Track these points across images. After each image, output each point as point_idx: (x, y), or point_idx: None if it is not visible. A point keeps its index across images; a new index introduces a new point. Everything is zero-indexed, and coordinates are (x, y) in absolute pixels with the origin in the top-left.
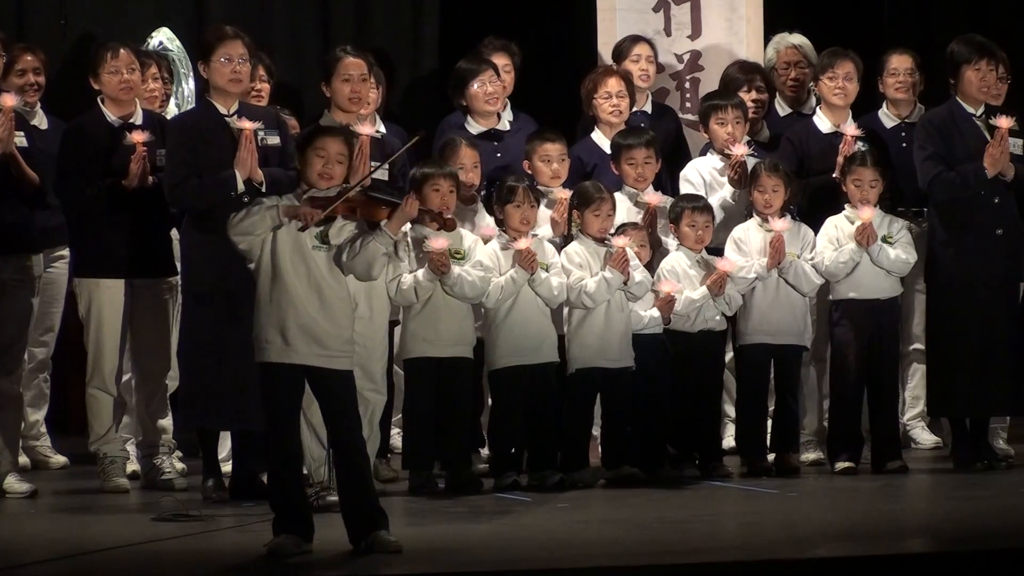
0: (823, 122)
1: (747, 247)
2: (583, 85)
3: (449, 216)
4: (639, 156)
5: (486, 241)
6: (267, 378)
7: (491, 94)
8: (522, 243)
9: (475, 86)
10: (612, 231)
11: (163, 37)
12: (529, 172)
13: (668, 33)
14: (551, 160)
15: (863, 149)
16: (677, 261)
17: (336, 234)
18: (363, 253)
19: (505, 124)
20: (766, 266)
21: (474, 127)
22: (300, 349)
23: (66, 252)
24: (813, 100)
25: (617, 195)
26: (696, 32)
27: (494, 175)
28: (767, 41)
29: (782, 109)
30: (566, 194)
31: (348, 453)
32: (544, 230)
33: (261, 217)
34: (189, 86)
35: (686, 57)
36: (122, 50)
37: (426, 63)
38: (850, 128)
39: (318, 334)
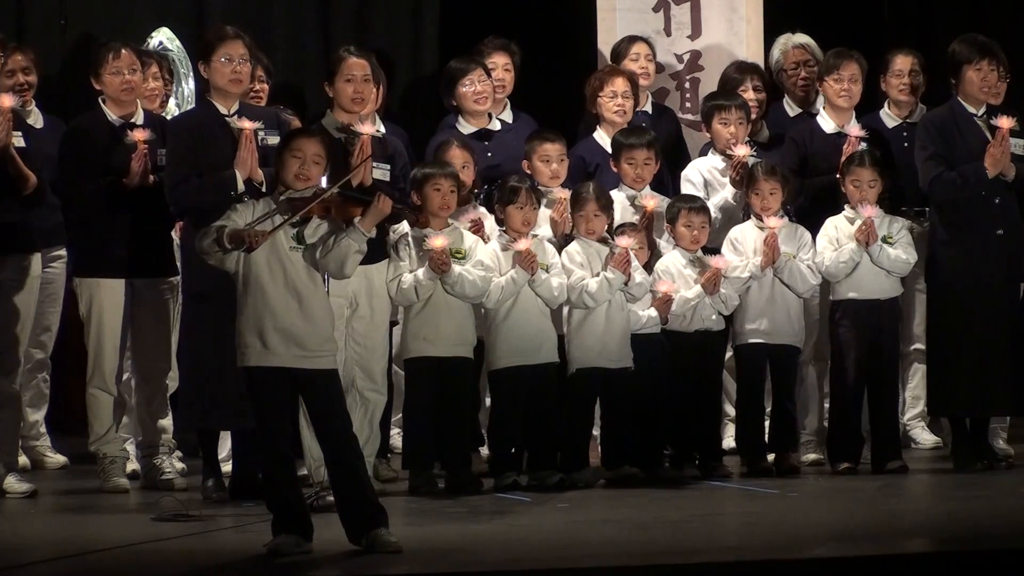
0: (827, 122)
1: (742, 247)
2: (588, 83)
3: (423, 214)
4: (639, 157)
5: (477, 229)
6: (251, 383)
7: (480, 93)
8: (522, 244)
9: (464, 86)
10: (613, 229)
11: (163, 37)
12: (528, 172)
13: (668, 33)
14: (551, 160)
15: (865, 150)
16: (672, 261)
17: (312, 234)
18: (336, 250)
19: (496, 124)
20: (760, 265)
21: (465, 127)
22: (279, 351)
23: (64, 252)
24: (822, 100)
25: (613, 193)
26: (696, 32)
27: (485, 174)
28: (767, 41)
29: (791, 110)
30: (565, 194)
31: (339, 451)
32: (544, 230)
33: (211, 241)
34: (189, 86)
35: (686, 57)
36: (124, 51)
37: (426, 63)
38: (854, 129)
39: (297, 335)
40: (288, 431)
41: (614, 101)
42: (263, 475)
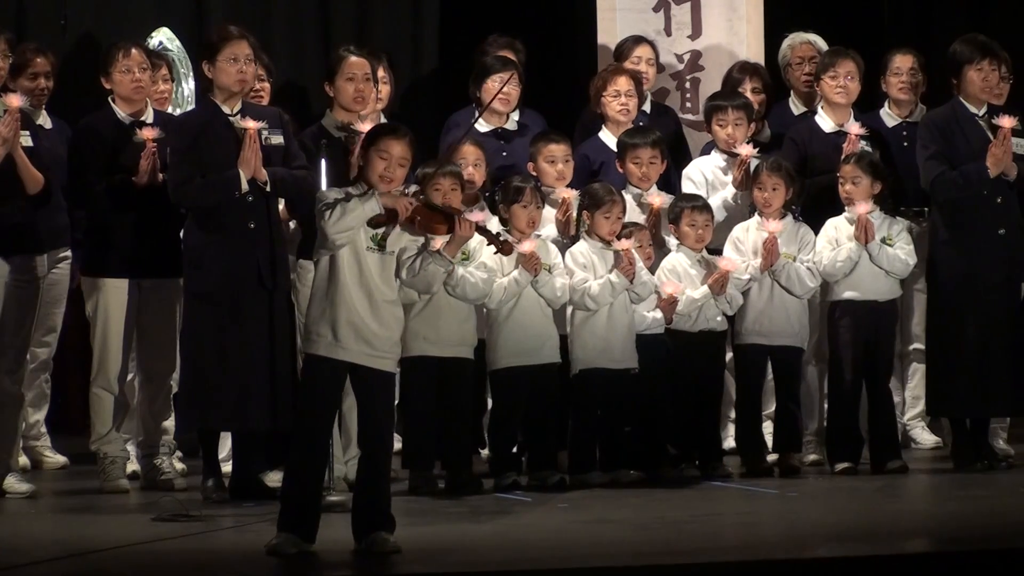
0: (825, 121)
1: (744, 246)
2: (592, 83)
3: (506, 240)
4: (644, 156)
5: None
6: (311, 371)
7: (507, 94)
8: (527, 245)
9: (495, 81)
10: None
11: (163, 37)
12: (533, 173)
13: (668, 33)
14: (556, 161)
15: (866, 149)
16: (678, 261)
17: (393, 241)
18: (423, 275)
19: (513, 124)
20: (759, 268)
21: (482, 125)
22: (348, 346)
23: (69, 254)
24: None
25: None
26: (696, 32)
27: (499, 174)
28: (768, 41)
29: (796, 108)
30: (569, 194)
31: (375, 452)
32: (548, 230)
33: (360, 211)
34: (189, 86)
35: (686, 57)
36: (134, 49)
37: (426, 63)
38: (854, 127)
39: (366, 334)
40: (331, 430)
41: (617, 100)
42: (289, 466)
